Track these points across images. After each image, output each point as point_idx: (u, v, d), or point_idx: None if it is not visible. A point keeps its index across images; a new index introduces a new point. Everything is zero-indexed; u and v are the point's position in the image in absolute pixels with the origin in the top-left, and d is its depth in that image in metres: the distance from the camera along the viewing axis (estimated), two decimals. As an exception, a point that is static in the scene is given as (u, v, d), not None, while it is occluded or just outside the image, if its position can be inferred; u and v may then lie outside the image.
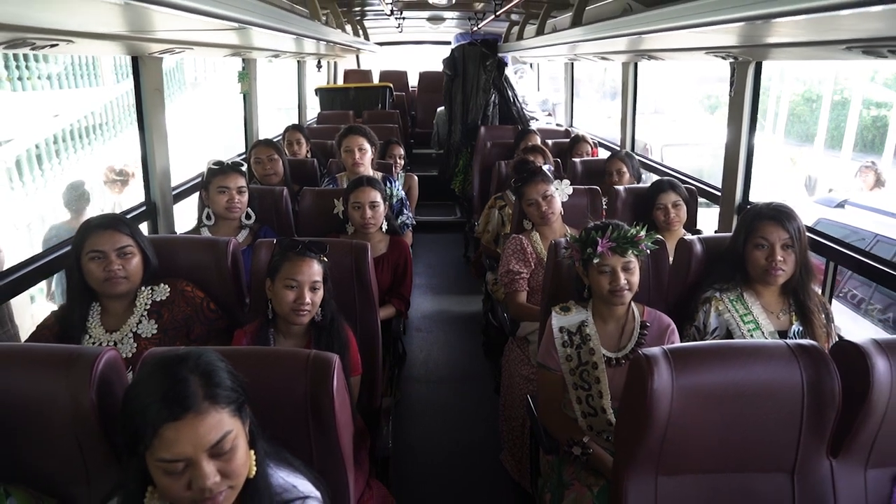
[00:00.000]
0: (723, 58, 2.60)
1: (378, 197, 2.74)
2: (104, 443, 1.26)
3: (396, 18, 5.24)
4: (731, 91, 2.71)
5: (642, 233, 1.86)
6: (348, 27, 5.59)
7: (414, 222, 3.72)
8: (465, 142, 5.70)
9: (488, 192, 4.29)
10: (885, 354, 1.29)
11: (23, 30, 1.52)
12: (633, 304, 1.97)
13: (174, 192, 3.10)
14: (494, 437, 2.97)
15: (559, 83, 6.75)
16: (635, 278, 1.87)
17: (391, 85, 7.08)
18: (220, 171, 2.67)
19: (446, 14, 5.71)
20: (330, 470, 1.30)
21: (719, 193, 3.04)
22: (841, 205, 4.51)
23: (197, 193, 3.21)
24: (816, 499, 1.33)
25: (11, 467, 1.27)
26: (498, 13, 3.95)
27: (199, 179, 3.08)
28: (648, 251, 1.91)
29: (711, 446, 1.30)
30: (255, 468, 1.09)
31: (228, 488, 1.03)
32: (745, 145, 2.83)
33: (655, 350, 1.28)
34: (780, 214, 1.92)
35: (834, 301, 2.40)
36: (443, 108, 6.42)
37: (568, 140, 4.72)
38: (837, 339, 1.89)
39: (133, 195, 4.99)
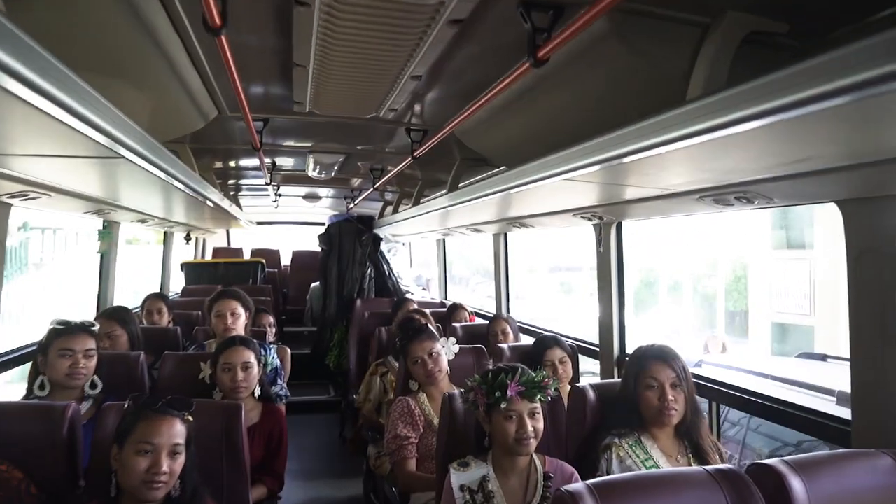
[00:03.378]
0: (588, 219, 2.83)
1: (252, 358, 2.51)
2: None
3: (274, 192, 5.31)
4: (598, 249, 2.93)
5: (549, 378, 1.85)
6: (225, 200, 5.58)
7: (289, 394, 3.45)
8: (341, 315, 5.62)
9: (366, 365, 4.15)
10: (797, 473, 1.30)
11: None
12: (534, 455, 1.89)
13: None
14: None
15: (431, 262, 7.05)
16: (540, 425, 1.82)
17: (263, 261, 6.98)
18: (65, 330, 2.34)
19: (322, 192, 5.90)
20: None
21: (597, 349, 3.14)
22: (698, 364, 4.93)
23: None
24: None
25: None
26: (376, 185, 4.13)
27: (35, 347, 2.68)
28: (550, 398, 1.89)
29: None
30: None
31: None
32: (616, 299, 3.00)
33: (578, 486, 1.19)
34: (665, 354, 2.00)
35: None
36: (317, 283, 6.38)
37: (445, 310, 4.80)
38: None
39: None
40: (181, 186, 2.26)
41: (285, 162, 4.04)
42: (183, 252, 6.79)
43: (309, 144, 3.54)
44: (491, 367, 3.07)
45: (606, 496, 1.18)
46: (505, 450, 1.83)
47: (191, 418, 1.67)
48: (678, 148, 1.27)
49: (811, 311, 12.16)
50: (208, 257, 7.90)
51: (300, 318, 7.22)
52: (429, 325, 2.83)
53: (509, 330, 3.58)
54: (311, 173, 4.08)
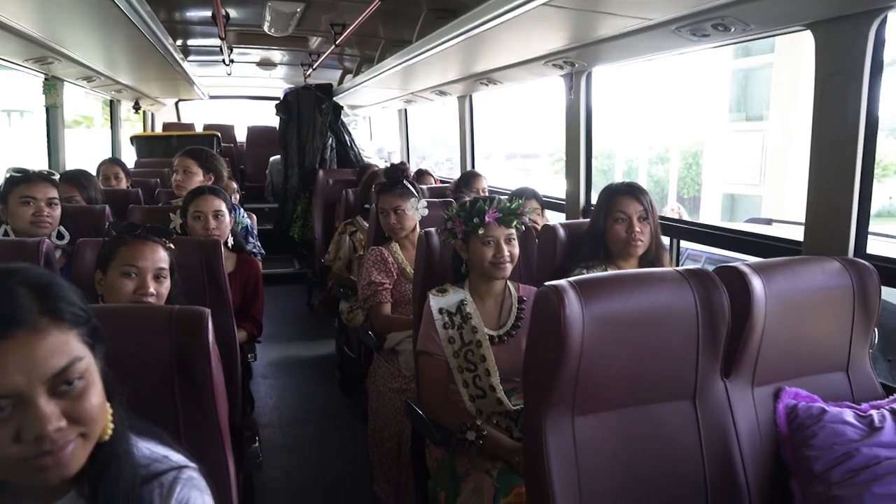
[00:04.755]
0: (559, 66, 2.80)
1: (223, 207, 2.48)
2: None
3: (227, 56, 5.01)
4: (568, 97, 2.92)
5: (525, 206, 1.90)
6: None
7: (263, 252, 3.48)
8: (304, 186, 5.54)
9: (332, 232, 4.16)
10: (757, 274, 1.40)
11: None
12: (508, 282, 1.99)
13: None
14: (363, 470, 2.75)
15: (393, 136, 6.94)
16: (516, 250, 1.90)
17: (219, 134, 6.74)
18: (24, 178, 2.26)
19: (277, 56, 5.61)
20: (204, 446, 1.06)
21: (563, 202, 3.23)
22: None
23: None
24: (716, 421, 1.36)
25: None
26: (337, 41, 3.93)
27: None
28: (525, 226, 1.95)
29: (622, 379, 1.30)
30: (111, 427, 0.83)
31: (79, 436, 0.75)
32: (584, 152, 3.04)
33: (562, 282, 1.25)
34: (633, 189, 2.07)
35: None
36: (277, 156, 6.23)
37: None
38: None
39: None
40: (124, 9, 2.09)
41: (241, 15, 3.80)
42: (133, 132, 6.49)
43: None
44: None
45: (588, 291, 1.24)
46: (482, 274, 1.90)
47: (172, 246, 1.68)
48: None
49: (761, 181, 12.65)
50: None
51: (260, 195, 7.09)
52: (407, 184, 2.82)
53: (486, 185, 3.61)
54: (267, 28, 3.86)
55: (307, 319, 5.18)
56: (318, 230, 4.77)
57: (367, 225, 3.25)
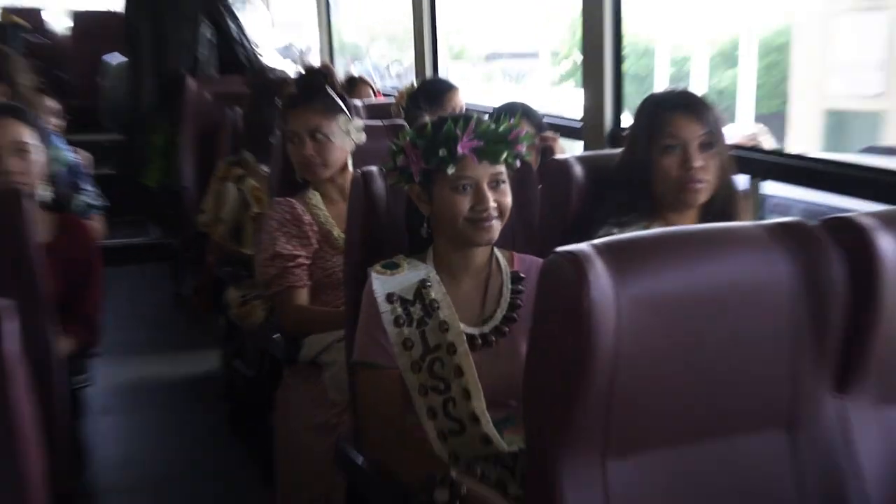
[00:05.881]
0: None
1: (27, 136, 2.49)
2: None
3: None
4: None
5: (520, 129, 1.87)
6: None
7: (106, 203, 3.46)
8: (164, 106, 5.48)
9: (210, 174, 4.06)
10: (887, 228, 1.37)
11: None
12: (496, 250, 1.97)
13: None
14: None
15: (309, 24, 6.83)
16: (508, 199, 1.86)
17: (23, 22, 6.57)
18: None
19: None
20: None
21: (580, 124, 3.25)
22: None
23: None
24: (827, 460, 1.37)
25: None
26: None
27: None
28: (521, 161, 1.92)
29: (679, 398, 1.29)
30: None
31: None
32: (610, 47, 3.07)
33: (582, 246, 1.22)
34: (690, 102, 2.06)
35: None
36: (120, 59, 6.18)
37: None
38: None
39: None
40: None
41: None
42: None
43: None
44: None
45: (623, 259, 1.21)
46: (453, 239, 1.86)
47: None
48: None
49: (886, 90, 12.75)
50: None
51: (94, 120, 6.96)
52: (332, 93, 2.77)
53: (463, 103, 3.57)
54: None
55: (174, 318, 5.19)
56: (189, 175, 4.73)
57: (268, 166, 3.21)
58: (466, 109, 3.67)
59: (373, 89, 4.70)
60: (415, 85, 3.92)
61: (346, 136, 2.72)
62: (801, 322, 1.31)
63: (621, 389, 1.21)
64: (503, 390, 1.83)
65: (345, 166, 2.76)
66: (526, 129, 2.83)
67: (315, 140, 2.69)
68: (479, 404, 1.80)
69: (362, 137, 2.76)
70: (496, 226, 1.84)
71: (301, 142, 2.70)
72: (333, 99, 2.75)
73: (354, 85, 4.62)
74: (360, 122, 2.79)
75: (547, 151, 2.82)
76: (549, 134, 2.96)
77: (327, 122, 2.70)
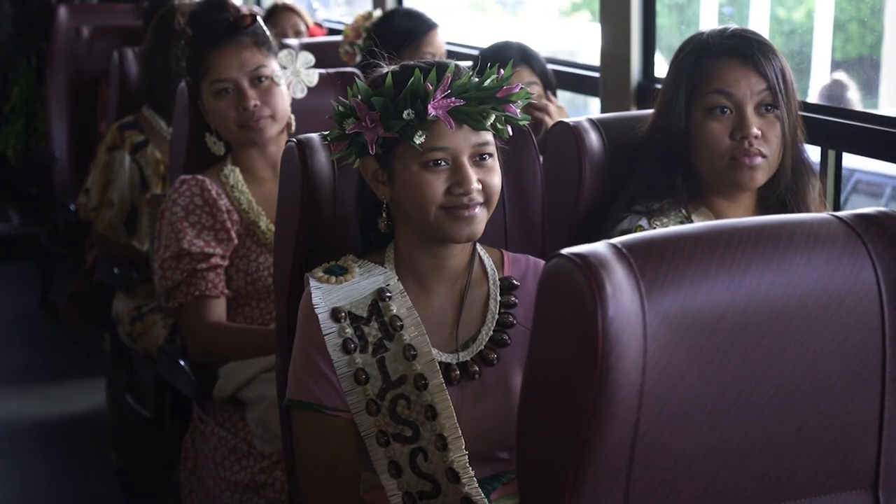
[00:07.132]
0: None
1: None
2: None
3: None
4: None
5: (516, 86, 1.67)
6: None
7: None
8: (24, 43, 5.35)
9: (91, 147, 3.87)
10: None
11: None
12: (480, 248, 1.81)
13: None
14: None
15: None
16: (496, 180, 1.68)
17: None
18: None
19: None
20: None
21: (597, 74, 3.13)
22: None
23: None
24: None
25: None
26: None
27: None
28: (514, 127, 1.73)
29: (723, 451, 1.20)
30: None
31: None
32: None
33: (597, 246, 1.10)
34: (746, 47, 1.89)
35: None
36: None
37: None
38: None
39: None
40: None
41: None
42: None
43: None
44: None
45: (652, 264, 1.10)
46: (423, 232, 1.69)
47: None
48: None
49: None
50: None
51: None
52: (261, 22, 2.58)
53: (444, 47, 3.32)
54: None
55: (42, 336, 4.94)
56: (61, 142, 4.54)
57: (171, 126, 2.95)
58: (448, 55, 3.45)
59: (304, 22, 4.37)
60: (374, 16, 3.50)
61: (297, 79, 2.56)
62: (893, 348, 1.21)
63: (647, 439, 1.13)
64: (490, 438, 1.71)
65: (284, 128, 2.57)
66: (525, 79, 2.73)
67: (256, 86, 2.50)
68: (459, 457, 1.66)
69: (313, 79, 2.57)
70: (480, 215, 1.66)
71: (239, 91, 2.48)
72: (263, 30, 2.57)
73: (277, 12, 4.35)
74: (308, 57, 2.58)
75: (539, 126, 2.66)
76: (539, 100, 2.78)
77: (268, 60, 2.54)
